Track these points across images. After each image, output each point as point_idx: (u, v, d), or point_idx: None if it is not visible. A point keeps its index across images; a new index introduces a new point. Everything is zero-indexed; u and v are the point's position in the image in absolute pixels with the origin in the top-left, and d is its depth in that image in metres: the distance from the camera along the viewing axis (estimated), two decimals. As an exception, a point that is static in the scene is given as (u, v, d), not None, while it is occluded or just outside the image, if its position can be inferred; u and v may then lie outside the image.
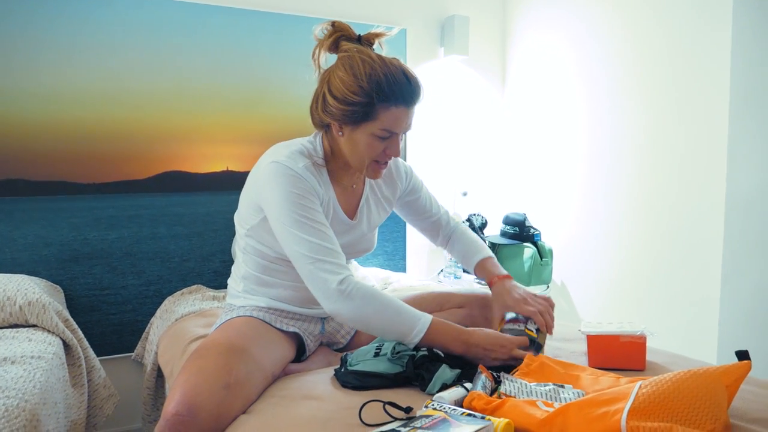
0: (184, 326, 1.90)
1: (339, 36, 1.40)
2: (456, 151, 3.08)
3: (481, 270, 1.63)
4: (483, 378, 1.16)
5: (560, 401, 1.05)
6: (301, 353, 1.55)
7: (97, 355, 2.31)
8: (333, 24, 1.41)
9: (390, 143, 1.36)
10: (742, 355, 1.04)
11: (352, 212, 1.53)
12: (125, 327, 2.37)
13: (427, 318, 1.29)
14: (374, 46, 1.43)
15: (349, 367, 1.32)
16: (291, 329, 1.50)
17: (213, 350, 1.27)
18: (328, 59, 1.42)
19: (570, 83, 2.78)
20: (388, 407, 1.06)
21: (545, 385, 1.11)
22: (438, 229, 1.73)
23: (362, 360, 1.32)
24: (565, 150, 2.82)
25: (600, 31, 2.62)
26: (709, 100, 2.15)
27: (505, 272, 1.58)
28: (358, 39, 1.41)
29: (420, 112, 2.96)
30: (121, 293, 2.36)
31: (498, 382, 1.18)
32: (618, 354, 1.32)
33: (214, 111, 2.47)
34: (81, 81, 2.25)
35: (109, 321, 2.34)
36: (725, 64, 2.05)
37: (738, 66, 1.97)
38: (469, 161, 3.11)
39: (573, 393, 1.08)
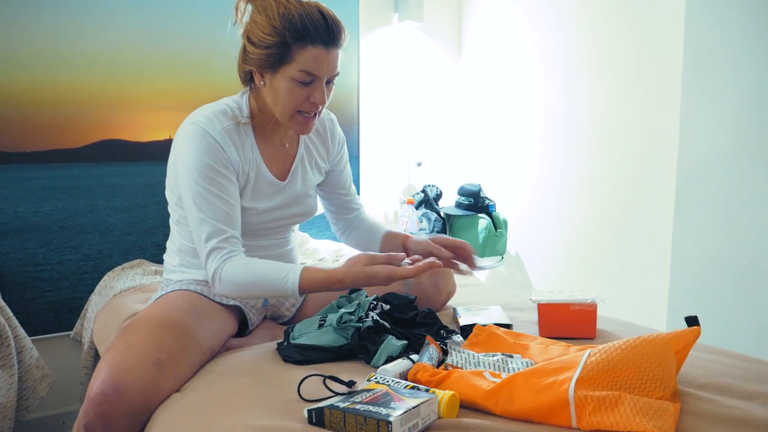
0: (122, 302, 1.80)
1: None
2: (410, 121, 3.01)
3: (391, 237, 1.59)
4: (430, 349, 1.11)
5: (508, 371, 1.01)
6: (244, 328, 1.48)
7: (33, 335, 2.18)
8: None
9: (313, 90, 1.29)
10: (692, 321, 1.02)
11: (283, 173, 1.45)
12: (62, 304, 2.24)
13: (294, 276, 1.22)
14: None
15: (291, 341, 1.25)
16: (232, 302, 1.43)
17: (143, 325, 1.19)
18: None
19: (526, 52, 2.74)
20: (328, 381, 1.00)
21: (493, 356, 1.07)
22: (346, 211, 1.65)
23: (305, 332, 1.26)
24: (521, 120, 2.79)
25: (556, -2, 2.57)
26: (662, 69, 2.13)
27: None
28: None
29: (372, 80, 2.87)
30: (57, 269, 2.23)
31: (446, 354, 1.14)
32: (568, 323, 1.30)
33: (156, 76, 2.33)
34: (6, 41, 2.08)
35: (45, 299, 2.21)
36: (679, 30, 2.03)
37: (691, 32, 1.95)
38: (423, 131, 3.05)
39: (521, 363, 1.04)
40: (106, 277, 2.20)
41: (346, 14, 2.72)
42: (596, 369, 0.90)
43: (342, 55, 1.32)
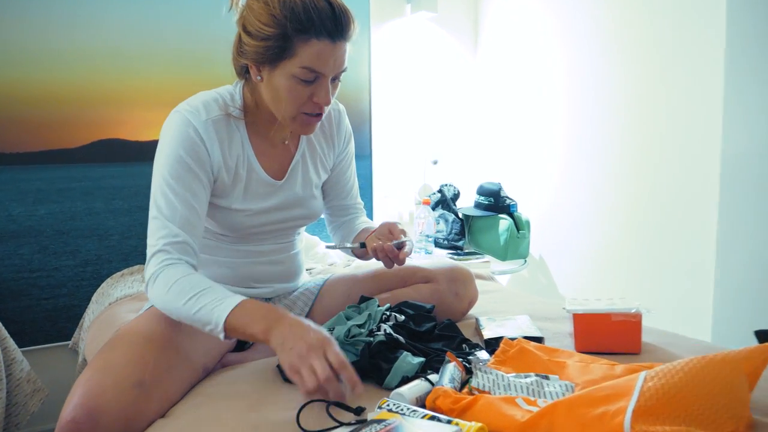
0: (116, 312, 1.67)
1: None
2: (425, 117, 2.87)
3: (361, 235, 1.42)
4: (451, 368, 0.96)
5: (545, 397, 0.85)
6: (244, 342, 1.34)
7: (29, 345, 2.07)
8: None
9: (317, 88, 1.13)
10: (764, 336, 0.85)
11: (280, 172, 1.30)
12: (60, 313, 2.12)
13: (226, 307, 1.00)
14: None
15: (293, 357, 1.10)
16: (229, 314, 1.28)
17: (126, 341, 1.05)
18: None
19: (548, 42, 2.58)
20: (332, 409, 0.85)
21: (526, 377, 0.92)
22: (343, 214, 1.49)
23: (309, 348, 1.10)
24: (543, 114, 2.63)
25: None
26: (703, 54, 1.96)
27: None
28: None
29: (385, 74, 2.73)
30: (54, 275, 2.11)
31: (470, 372, 0.99)
32: (609, 336, 1.13)
33: (155, 72, 2.20)
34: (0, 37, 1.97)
35: (41, 307, 2.09)
36: (721, 11, 1.85)
37: (734, 13, 1.78)
38: (439, 128, 2.90)
39: (560, 386, 0.89)
40: (104, 284, 2.07)
41: (356, 5, 2.58)
42: (655, 397, 0.74)
43: (350, 48, 1.16)
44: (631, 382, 0.78)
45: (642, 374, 0.79)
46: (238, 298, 1.01)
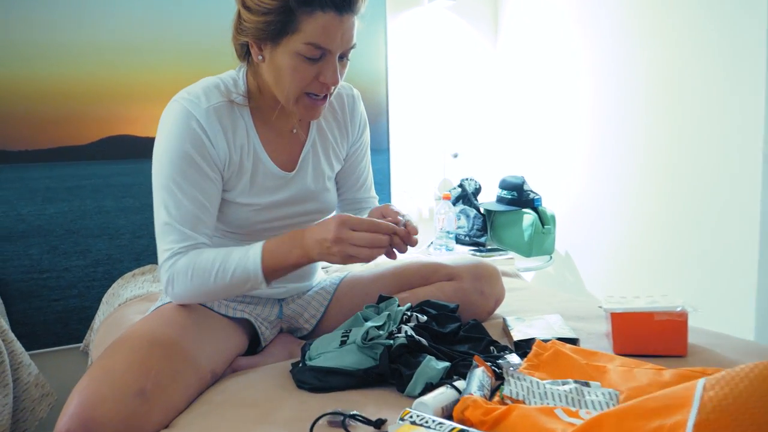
0: (124, 313, 1.60)
1: None
2: (444, 110, 2.77)
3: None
4: (480, 374, 0.87)
5: (587, 407, 0.76)
6: (256, 344, 1.27)
7: (40, 348, 2.02)
8: None
9: (323, 67, 1.05)
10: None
11: (290, 163, 1.22)
12: (71, 314, 2.07)
13: (255, 255, 1.04)
14: None
15: (307, 362, 1.03)
16: (239, 315, 1.21)
17: (127, 345, 0.98)
18: None
19: (571, 30, 2.47)
20: (350, 422, 0.77)
21: (564, 384, 0.82)
22: (356, 209, 1.39)
23: (324, 351, 1.03)
24: (567, 105, 2.52)
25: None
26: (742, 38, 1.83)
27: None
28: None
29: (402, 65, 2.64)
30: (64, 276, 2.06)
31: (500, 378, 0.89)
32: (652, 337, 1.04)
33: (165, 65, 2.14)
34: (5, 32, 1.91)
35: (52, 308, 2.04)
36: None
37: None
38: (459, 119, 2.80)
39: (603, 394, 0.79)
40: (114, 284, 2.02)
41: (372, -6, 2.50)
42: (719, 409, 0.64)
43: (359, 24, 1.07)
44: (687, 391, 0.68)
45: (700, 382, 0.69)
46: (258, 245, 1.05)
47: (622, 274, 2.30)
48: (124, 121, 2.10)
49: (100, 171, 2.09)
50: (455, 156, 2.72)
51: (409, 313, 1.11)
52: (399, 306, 1.16)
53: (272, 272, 1.04)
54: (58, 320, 2.05)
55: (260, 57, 1.07)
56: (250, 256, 1.03)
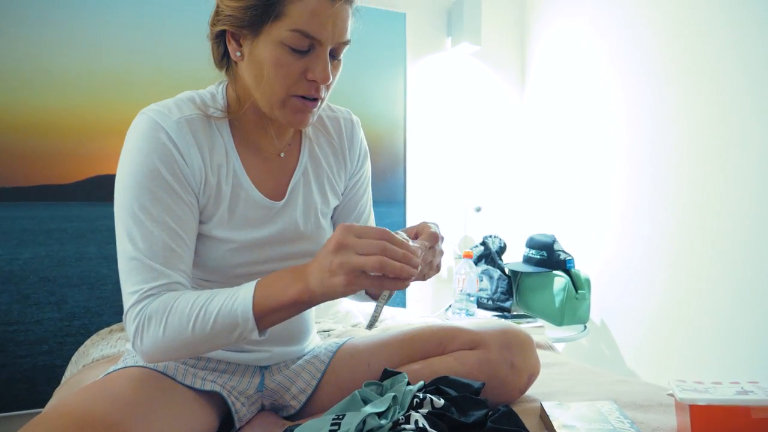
0: (86, 377, 1.36)
1: None
2: (466, 159, 2.59)
3: None
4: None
5: None
6: (229, 426, 1.01)
7: (1, 411, 1.77)
8: None
9: (312, 61, 0.88)
10: None
11: (277, 191, 1.01)
12: (39, 374, 1.83)
13: (246, 293, 0.82)
14: None
15: (285, 457, 0.77)
16: (209, 387, 0.97)
17: (46, 428, 0.74)
18: None
19: (603, 79, 2.29)
20: None
21: None
22: None
23: (307, 446, 0.77)
24: (599, 157, 2.31)
25: (638, 17, 2.12)
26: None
27: None
28: None
29: (422, 112, 2.46)
30: (34, 330, 1.83)
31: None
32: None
33: (157, 101, 1.98)
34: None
35: (18, 366, 1.81)
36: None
37: None
38: (482, 171, 2.62)
39: None
40: (88, 341, 1.77)
41: (391, 37, 2.36)
42: None
43: (353, 20, 0.92)
44: None
45: None
46: (253, 282, 0.83)
47: (670, 348, 2.01)
48: (114, 159, 1.91)
49: (85, 213, 1.90)
50: (478, 210, 2.51)
51: (420, 396, 0.85)
52: (408, 384, 0.90)
53: (265, 314, 0.82)
54: (23, 380, 1.82)
55: (239, 53, 0.91)
56: (239, 294, 0.82)
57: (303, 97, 0.90)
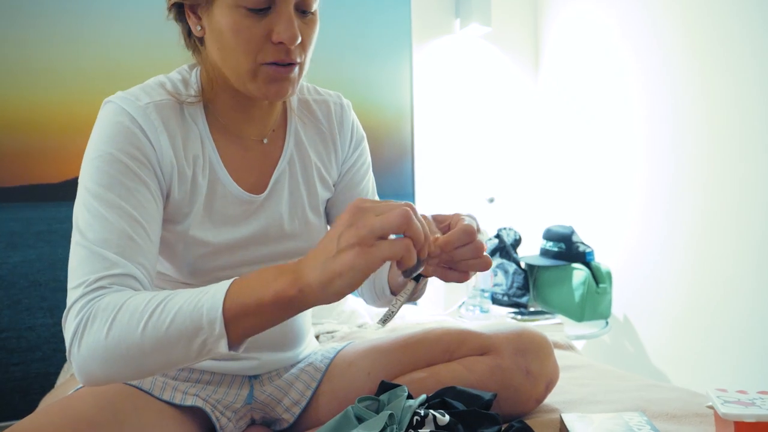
0: (69, 388, 1.27)
1: None
2: (478, 148, 2.52)
3: None
4: None
5: None
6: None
7: (-6, 421, 1.73)
8: None
9: (274, 19, 0.78)
10: None
11: (259, 183, 0.92)
12: (32, 382, 1.79)
13: (219, 288, 0.65)
14: None
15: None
16: (190, 402, 0.88)
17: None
18: None
19: (621, 62, 2.20)
20: None
21: None
22: None
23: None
24: (618, 144, 2.22)
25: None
26: None
27: None
28: None
29: (429, 99, 2.39)
30: (26, 336, 1.79)
31: None
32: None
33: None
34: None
35: (10, 374, 1.77)
36: None
37: None
38: (495, 160, 2.55)
39: None
40: (81, 347, 1.70)
41: (395, 19, 2.26)
42: None
43: None
44: None
45: None
46: (232, 279, 0.67)
47: (700, 347, 1.89)
48: (106, 156, 1.85)
49: (75, 213, 1.83)
50: (491, 201, 2.43)
51: (422, 412, 0.74)
52: (409, 398, 0.79)
53: (239, 317, 0.64)
54: (16, 389, 1.78)
55: (198, 27, 0.83)
56: (210, 290, 0.66)
57: (275, 64, 0.80)
